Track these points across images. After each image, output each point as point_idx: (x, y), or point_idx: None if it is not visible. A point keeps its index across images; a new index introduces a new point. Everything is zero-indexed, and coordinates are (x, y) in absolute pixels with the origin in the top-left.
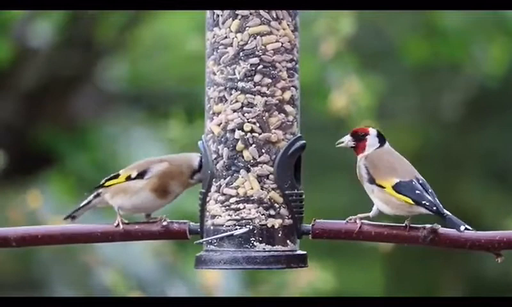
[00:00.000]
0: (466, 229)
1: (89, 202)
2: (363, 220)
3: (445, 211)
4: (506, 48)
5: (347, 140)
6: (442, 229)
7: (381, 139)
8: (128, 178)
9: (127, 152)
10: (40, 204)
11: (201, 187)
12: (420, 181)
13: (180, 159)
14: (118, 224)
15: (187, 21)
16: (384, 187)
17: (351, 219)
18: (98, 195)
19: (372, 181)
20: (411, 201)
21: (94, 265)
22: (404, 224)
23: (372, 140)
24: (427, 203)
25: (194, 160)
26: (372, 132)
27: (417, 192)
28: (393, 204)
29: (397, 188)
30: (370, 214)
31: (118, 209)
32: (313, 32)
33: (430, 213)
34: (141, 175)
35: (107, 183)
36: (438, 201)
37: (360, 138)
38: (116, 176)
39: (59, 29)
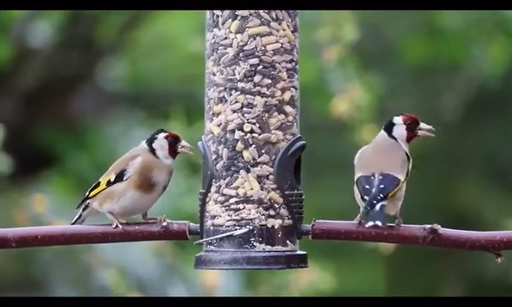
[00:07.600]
0: (374, 226)
1: (80, 216)
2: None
3: (375, 207)
4: (506, 48)
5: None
6: (442, 230)
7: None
8: (109, 183)
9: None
10: (45, 208)
11: (201, 187)
12: (381, 177)
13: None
14: (116, 226)
15: (186, 22)
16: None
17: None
18: (86, 207)
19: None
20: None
21: (94, 266)
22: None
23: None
24: (366, 198)
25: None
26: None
27: (366, 187)
28: (357, 197)
29: (357, 182)
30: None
31: (109, 213)
32: (316, 37)
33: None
34: (119, 177)
35: (91, 194)
36: (380, 196)
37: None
38: (98, 185)
39: (59, 29)
